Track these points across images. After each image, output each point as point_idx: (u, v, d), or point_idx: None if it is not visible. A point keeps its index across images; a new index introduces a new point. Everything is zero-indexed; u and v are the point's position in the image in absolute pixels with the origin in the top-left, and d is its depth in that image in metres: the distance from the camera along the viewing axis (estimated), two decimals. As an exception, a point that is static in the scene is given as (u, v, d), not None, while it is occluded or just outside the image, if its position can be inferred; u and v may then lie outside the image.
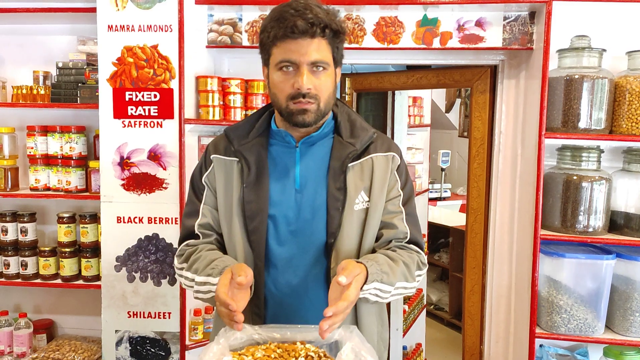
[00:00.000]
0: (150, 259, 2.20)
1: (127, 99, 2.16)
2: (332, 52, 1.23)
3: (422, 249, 1.33)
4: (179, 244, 1.38)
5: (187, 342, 2.21)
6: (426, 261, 1.34)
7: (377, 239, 1.31)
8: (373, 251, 1.31)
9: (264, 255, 1.27)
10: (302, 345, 1.03)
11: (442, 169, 5.24)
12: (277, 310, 1.16)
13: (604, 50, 2.06)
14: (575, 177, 2.06)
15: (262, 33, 1.24)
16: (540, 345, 2.17)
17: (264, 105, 2.21)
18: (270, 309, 1.27)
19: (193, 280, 1.25)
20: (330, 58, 1.23)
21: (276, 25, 1.19)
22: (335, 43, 1.23)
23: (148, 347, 2.20)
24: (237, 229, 1.29)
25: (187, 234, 1.36)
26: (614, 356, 2.05)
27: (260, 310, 1.27)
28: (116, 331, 2.22)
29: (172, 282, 2.21)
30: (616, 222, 2.11)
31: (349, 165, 1.28)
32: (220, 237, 1.35)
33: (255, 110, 1.42)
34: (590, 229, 2.06)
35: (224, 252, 1.34)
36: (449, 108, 5.59)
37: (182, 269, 1.33)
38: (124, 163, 2.18)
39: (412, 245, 1.31)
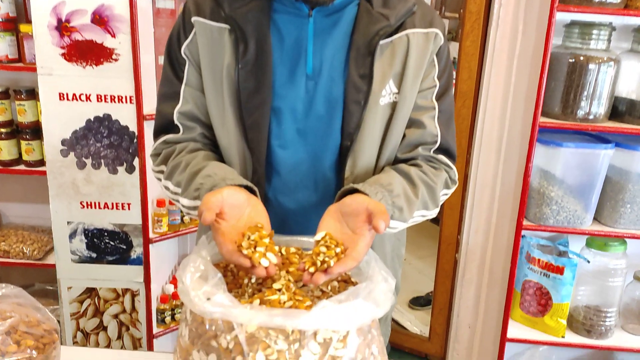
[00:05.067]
0: (103, 143, 1.95)
1: (60, -54, 1.76)
2: None
3: (454, 159, 1.10)
4: (155, 135, 1.11)
5: (151, 235, 2.05)
6: (457, 177, 1.11)
7: (400, 142, 1.07)
8: (395, 161, 1.07)
9: (264, 159, 1.02)
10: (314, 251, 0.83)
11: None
12: (280, 229, 0.94)
13: None
14: (582, 58, 1.88)
15: None
16: (522, 236, 2.13)
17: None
18: (272, 227, 1.05)
19: (177, 195, 1.01)
20: None
21: None
22: None
23: (106, 240, 2.04)
24: (231, 122, 1.02)
25: (165, 124, 1.07)
26: (597, 247, 2.02)
27: None
28: (68, 222, 2.03)
29: (131, 169, 1.99)
30: (617, 108, 1.98)
31: (380, 43, 0.98)
32: (208, 129, 1.08)
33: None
34: (591, 117, 1.93)
35: (214, 149, 1.08)
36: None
37: (160, 172, 1.07)
38: (62, 27, 1.83)
39: (441, 157, 1.07)
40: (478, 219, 2.35)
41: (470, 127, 2.39)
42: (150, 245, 2.04)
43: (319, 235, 0.85)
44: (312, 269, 0.80)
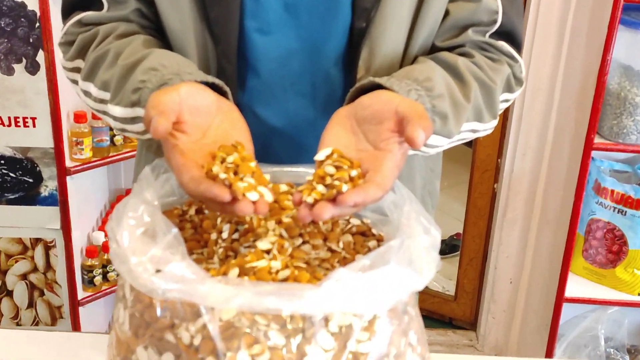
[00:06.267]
0: (-10, 29, 1.89)
1: None
2: None
3: (519, 49, 1.02)
4: (64, 14, 1.01)
5: (68, 164, 2.00)
6: (523, 74, 1.03)
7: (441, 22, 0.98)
8: (431, 51, 0.99)
9: (235, 51, 0.95)
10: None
11: None
12: (261, 150, 0.86)
13: None
14: None
15: None
16: (591, 159, 2.11)
17: None
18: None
19: (103, 102, 0.91)
20: None
21: None
22: None
23: (4, 171, 2.00)
24: None
25: None
26: (693, 173, 2.01)
27: None
28: (-54, 146, 2.00)
29: (33, 68, 1.92)
30: None
31: None
32: (148, 5, 0.98)
33: None
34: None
35: (157, 35, 1.00)
36: None
37: (75, 71, 0.98)
38: None
39: (502, 44, 0.99)
40: (527, 136, 2.34)
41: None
42: (68, 178, 2.01)
43: (322, 154, 0.77)
44: (310, 199, 0.71)
